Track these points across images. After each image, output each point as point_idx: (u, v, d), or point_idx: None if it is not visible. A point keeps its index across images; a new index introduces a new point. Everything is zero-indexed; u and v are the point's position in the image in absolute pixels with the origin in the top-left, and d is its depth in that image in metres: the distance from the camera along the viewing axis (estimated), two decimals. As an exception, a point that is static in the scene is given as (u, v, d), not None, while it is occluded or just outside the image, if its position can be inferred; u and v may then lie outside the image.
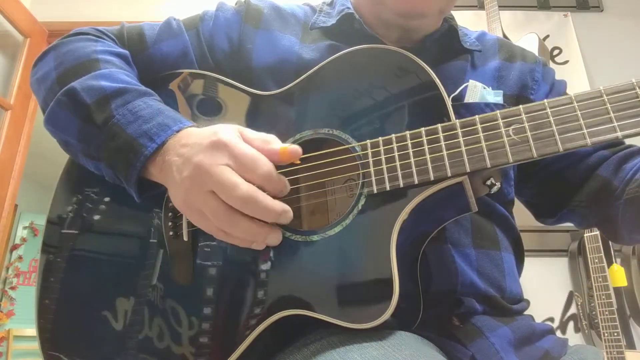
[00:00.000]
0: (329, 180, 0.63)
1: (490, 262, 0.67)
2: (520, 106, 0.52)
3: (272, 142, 0.57)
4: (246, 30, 0.77)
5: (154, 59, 0.76)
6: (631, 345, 1.82)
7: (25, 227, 4.55)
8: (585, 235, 1.86)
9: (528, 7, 2.51)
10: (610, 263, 1.78)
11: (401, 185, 0.54)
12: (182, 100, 0.73)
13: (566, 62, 2.38)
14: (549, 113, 0.50)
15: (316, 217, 0.67)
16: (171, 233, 0.63)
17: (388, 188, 0.55)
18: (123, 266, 0.66)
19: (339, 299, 0.53)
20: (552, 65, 2.35)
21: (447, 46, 0.77)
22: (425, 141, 0.54)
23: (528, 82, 0.77)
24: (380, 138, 0.57)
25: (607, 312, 1.68)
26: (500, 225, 0.71)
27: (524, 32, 2.31)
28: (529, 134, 0.50)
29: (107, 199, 0.70)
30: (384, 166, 0.56)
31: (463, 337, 0.60)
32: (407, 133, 0.56)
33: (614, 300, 1.70)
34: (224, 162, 0.53)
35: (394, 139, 0.56)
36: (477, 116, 0.53)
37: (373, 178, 0.56)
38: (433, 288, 0.62)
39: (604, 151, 0.74)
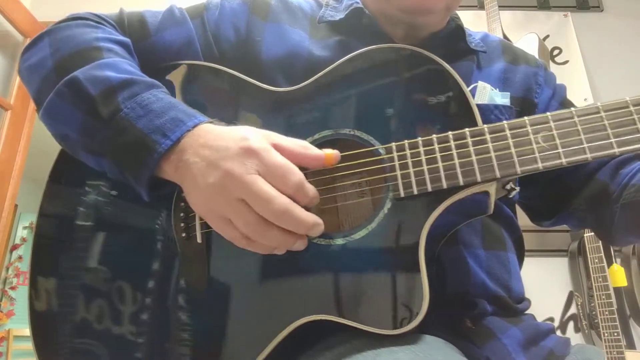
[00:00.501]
0: (341, 183, 0.61)
1: (498, 262, 0.67)
2: (548, 114, 0.52)
3: (311, 147, 0.55)
4: (254, 22, 0.74)
5: (156, 48, 0.72)
6: (631, 345, 1.82)
7: (25, 227, 4.51)
8: (585, 235, 1.87)
9: (528, 7, 2.52)
10: (610, 263, 1.79)
11: (429, 189, 0.53)
12: (188, 93, 0.69)
13: (566, 62, 2.38)
14: (577, 122, 0.50)
15: (327, 218, 0.67)
16: (184, 234, 0.61)
17: (416, 192, 0.54)
18: (126, 267, 0.63)
19: (365, 304, 0.52)
20: (552, 65, 2.36)
21: (453, 46, 0.76)
22: (453, 145, 0.54)
23: (532, 85, 0.77)
24: (405, 141, 0.56)
25: (607, 312, 1.69)
26: (506, 225, 0.71)
27: (524, 32, 2.31)
28: (557, 141, 0.50)
29: (104, 195, 0.66)
30: (411, 170, 0.55)
31: (476, 339, 0.61)
32: (434, 137, 0.55)
33: (614, 300, 1.71)
34: (254, 171, 0.50)
35: (420, 142, 0.55)
36: (505, 122, 0.53)
37: (400, 182, 0.55)
38: (448, 289, 0.63)
39: None
